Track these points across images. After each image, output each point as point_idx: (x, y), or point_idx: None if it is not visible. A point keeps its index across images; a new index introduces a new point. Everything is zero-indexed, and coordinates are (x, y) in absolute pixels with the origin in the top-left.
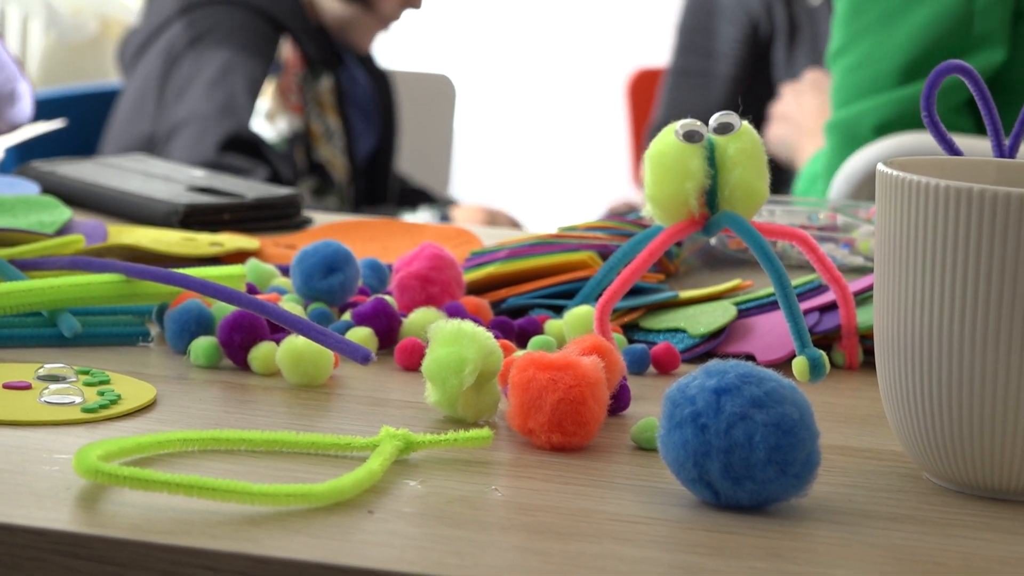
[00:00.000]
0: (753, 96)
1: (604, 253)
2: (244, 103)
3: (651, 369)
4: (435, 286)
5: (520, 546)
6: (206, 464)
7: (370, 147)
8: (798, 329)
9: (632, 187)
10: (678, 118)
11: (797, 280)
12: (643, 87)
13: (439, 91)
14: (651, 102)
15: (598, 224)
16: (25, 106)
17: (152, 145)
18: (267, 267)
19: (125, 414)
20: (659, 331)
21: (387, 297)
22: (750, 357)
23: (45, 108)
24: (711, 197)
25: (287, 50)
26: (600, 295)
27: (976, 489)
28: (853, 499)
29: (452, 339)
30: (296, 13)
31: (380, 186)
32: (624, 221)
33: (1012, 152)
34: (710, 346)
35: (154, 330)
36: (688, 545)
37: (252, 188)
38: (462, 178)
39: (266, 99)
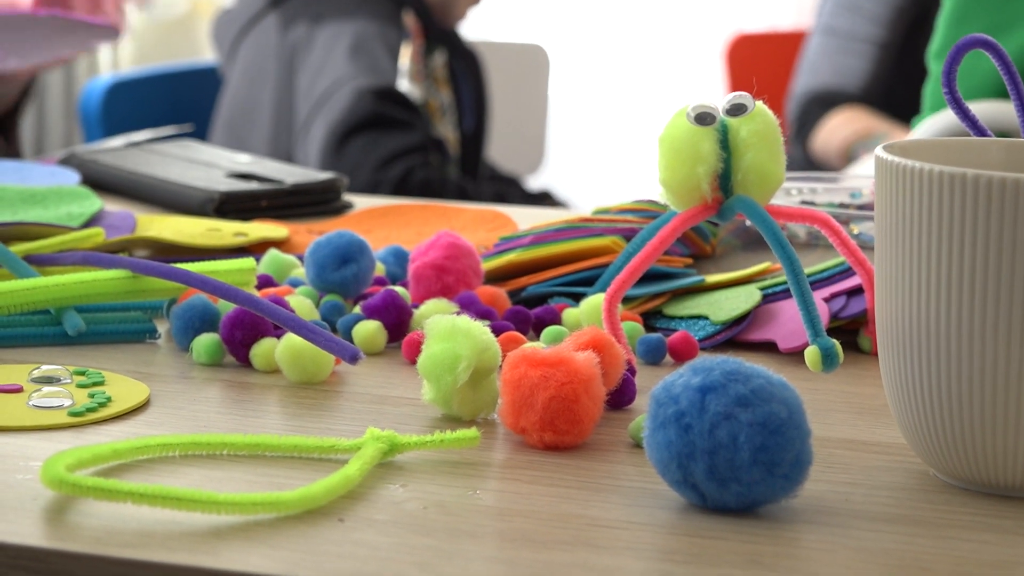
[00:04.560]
0: (903, 67)
1: (630, 237)
2: (388, 66)
3: (669, 359)
4: (451, 275)
5: (488, 556)
6: (185, 470)
7: (470, 127)
8: (811, 318)
9: None
10: (820, 84)
11: (826, 263)
12: (743, 53)
13: (533, 62)
14: (750, 68)
15: (630, 206)
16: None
17: (291, 130)
18: (287, 258)
19: (113, 417)
20: (682, 318)
21: (399, 289)
22: (772, 344)
23: (139, 86)
24: (724, 181)
25: (411, 23)
26: None
27: (980, 485)
28: (850, 498)
29: (447, 335)
30: None
31: (473, 167)
32: (657, 202)
33: None
34: (732, 333)
35: (165, 326)
36: (664, 552)
37: (291, 174)
38: (556, 151)
39: (406, 62)
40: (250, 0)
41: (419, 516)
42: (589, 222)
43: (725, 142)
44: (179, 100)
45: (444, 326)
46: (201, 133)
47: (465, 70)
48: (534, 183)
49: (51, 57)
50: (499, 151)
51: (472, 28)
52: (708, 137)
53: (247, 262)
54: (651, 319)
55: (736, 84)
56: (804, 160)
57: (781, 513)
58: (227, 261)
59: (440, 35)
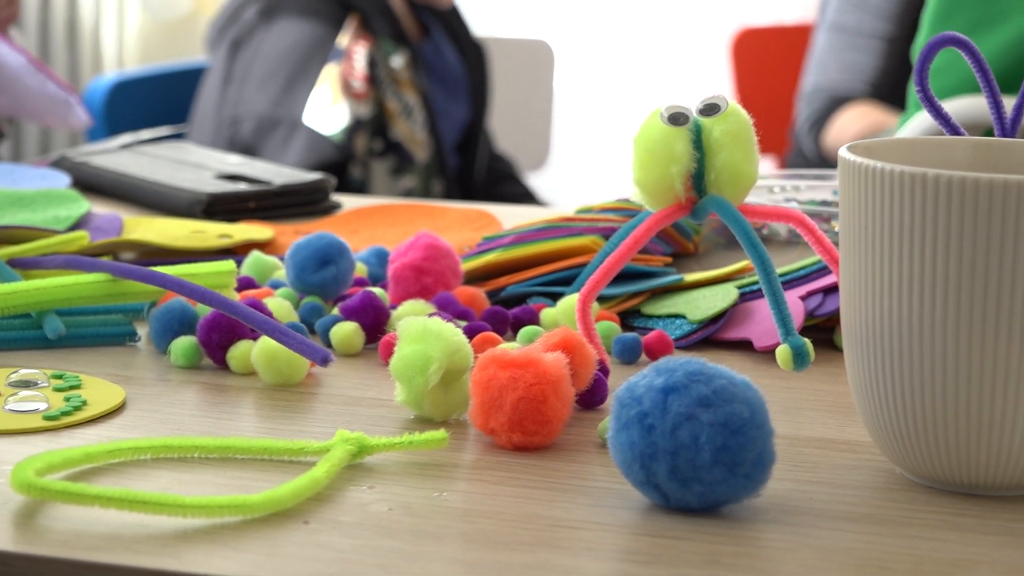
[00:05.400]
0: (911, 61)
1: (609, 236)
2: (299, 99)
3: (646, 358)
4: (429, 276)
5: (450, 557)
6: (155, 473)
7: (461, 122)
8: (782, 316)
9: None
10: (829, 81)
11: (803, 261)
12: (748, 47)
13: (537, 57)
14: (756, 62)
15: (612, 205)
16: (80, 112)
17: (229, 130)
18: (269, 259)
19: (88, 420)
20: (660, 317)
21: (377, 290)
22: (748, 343)
23: (143, 86)
24: (698, 181)
25: (349, 35)
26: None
27: (944, 484)
28: (814, 497)
29: (418, 337)
30: None
31: (470, 162)
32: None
33: (1013, 130)
34: (709, 332)
35: (145, 329)
36: (625, 552)
37: (280, 175)
38: (561, 146)
39: (326, 87)
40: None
41: (384, 518)
42: (570, 221)
43: (699, 142)
44: (182, 99)
45: (416, 328)
46: None
47: (441, 67)
48: (539, 179)
49: (30, 111)
50: (504, 146)
51: (477, 23)
52: (681, 137)
53: (226, 264)
54: (629, 318)
55: (741, 78)
56: (819, 158)
57: (744, 513)
58: (207, 264)
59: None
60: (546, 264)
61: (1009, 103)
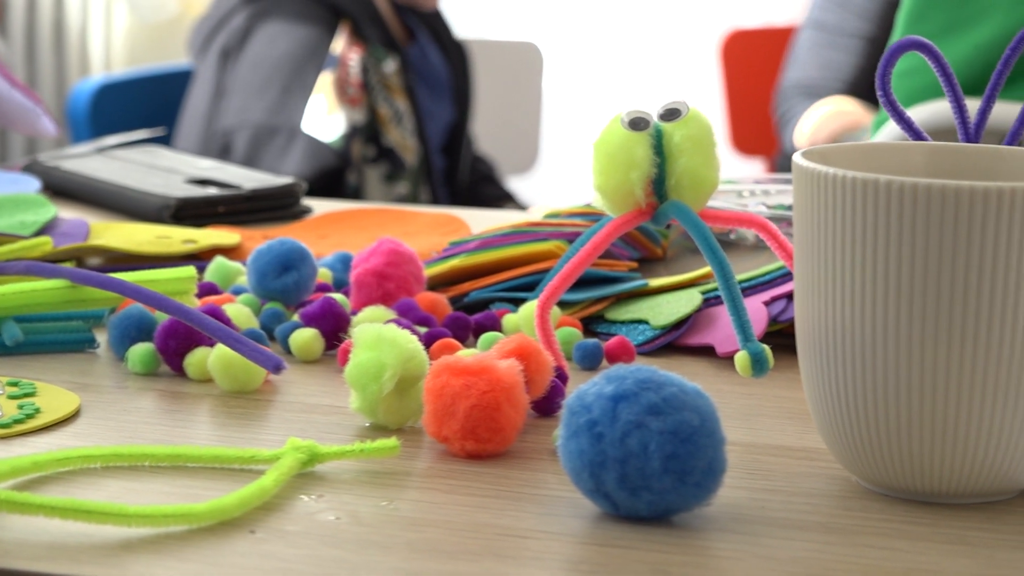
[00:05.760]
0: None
1: (575, 241)
2: (295, 107)
3: (607, 364)
4: (392, 282)
5: (394, 567)
6: (105, 482)
7: (446, 123)
8: (741, 323)
9: (728, 152)
10: (807, 78)
11: (768, 266)
12: (738, 49)
13: (526, 59)
14: (746, 64)
15: (580, 210)
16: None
17: (222, 140)
18: (233, 265)
19: (41, 428)
20: (623, 322)
21: (338, 296)
22: (711, 349)
23: (128, 88)
24: (659, 186)
25: (343, 41)
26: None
27: (898, 491)
28: (767, 505)
29: (373, 344)
30: None
31: (455, 163)
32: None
33: (976, 135)
34: (671, 337)
35: (106, 335)
36: (571, 562)
37: (250, 179)
38: (550, 149)
39: (322, 95)
40: (220, 6)
41: (331, 527)
42: (536, 226)
43: (659, 147)
44: (168, 102)
45: (370, 335)
46: None
47: (427, 71)
48: (528, 182)
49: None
50: (492, 150)
51: (465, 25)
52: (642, 142)
53: (187, 271)
54: (593, 324)
55: (731, 80)
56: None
57: (695, 521)
58: (167, 270)
59: (390, 41)
60: (510, 269)
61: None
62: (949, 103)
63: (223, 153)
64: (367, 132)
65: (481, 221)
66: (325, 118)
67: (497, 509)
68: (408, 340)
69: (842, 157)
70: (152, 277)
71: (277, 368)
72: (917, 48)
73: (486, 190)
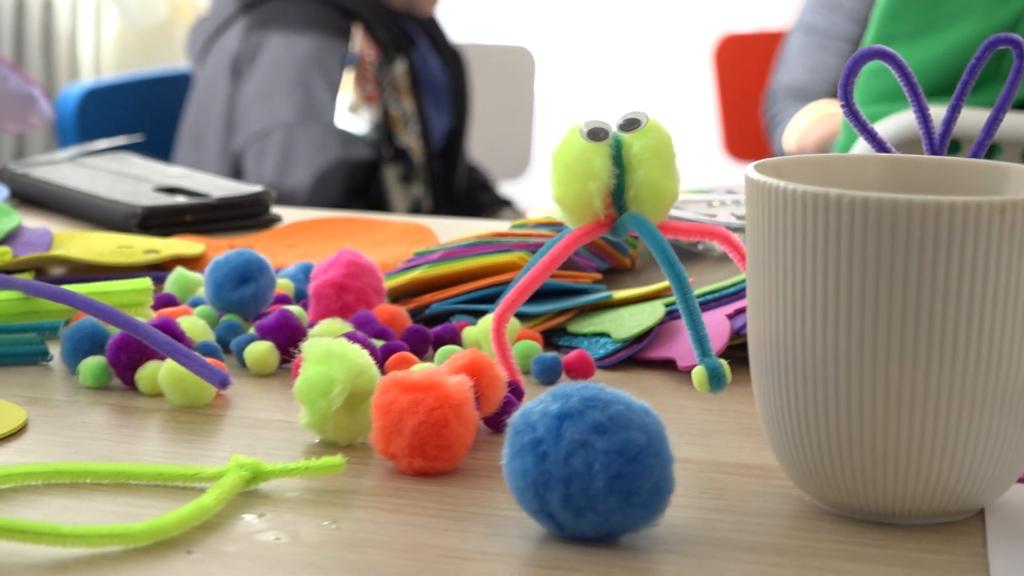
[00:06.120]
0: None
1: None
2: (326, 103)
3: (567, 378)
4: (351, 294)
5: None
6: (44, 500)
7: (444, 129)
8: (699, 337)
9: (722, 156)
10: (797, 81)
11: (733, 278)
12: (731, 53)
13: (518, 63)
14: (739, 69)
15: (547, 220)
16: (44, 106)
17: (238, 150)
18: (193, 276)
19: None
20: (585, 335)
21: (294, 308)
22: (673, 362)
23: (116, 93)
24: (618, 197)
25: (359, 39)
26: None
27: (850, 511)
28: (717, 526)
29: (322, 358)
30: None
31: (452, 169)
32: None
33: (941, 147)
34: (633, 350)
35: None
36: None
37: (219, 187)
38: (543, 153)
39: (347, 92)
40: (220, 8)
41: (270, 548)
42: (501, 237)
43: (619, 158)
44: (155, 107)
45: (320, 349)
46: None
47: (428, 77)
48: (520, 187)
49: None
50: (484, 155)
51: (456, 29)
52: (600, 153)
53: (142, 282)
54: (555, 337)
55: (724, 84)
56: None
57: (642, 542)
58: (122, 281)
59: (399, 43)
60: (473, 281)
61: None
62: (913, 112)
63: (259, 156)
64: (383, 131)
65: (449, 231)
66: (352, 114)
67: (441, 529)
68: (358, 355)
69: (796, 169)
70: (107, 289)
71: (223, 383)
72: (880, 57)
73: (482, 197)
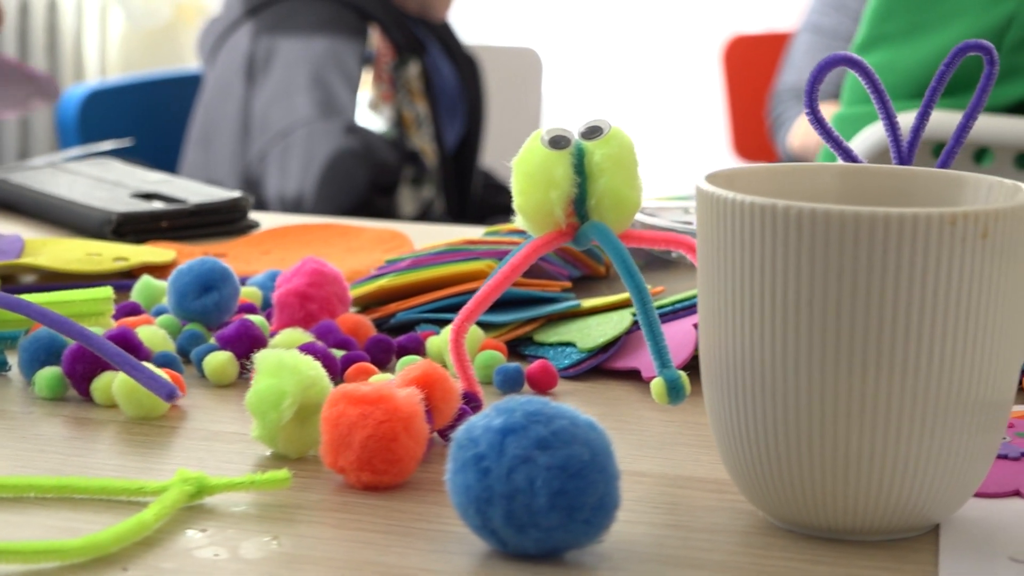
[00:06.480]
0: None
1: None
2: (346, 101)
3: (529, 389)
4: (314, 303)
5: None
6: None
7: (456, 134)
8: (658, 348)
9: (731, 158)
10: (802, 82)
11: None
12: (740, 54)
13: (526, 65)
14: (748, 70)
15: (519, 227)
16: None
17: (259, 153)
18: (159, 284)
19: None
20: (550, 345)
21: (255, 318)
22: (638, 372)
23: (119, 95)
24: (580, 206)
25: (376, 39)
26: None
27: (803, 527)
28: (665, 542)
29: (273, 370)
30: (380, 1)
31: (466, 176)
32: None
33: (909, 157)
34: (598, 360)
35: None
36: None
37: (197, 193)
38: None
39: (366, 90)
40: (231, 8)
41: (208, 565)
42: (472, 244)
43: (580, 166)
44: (159, 108)
45: (271, 361)
46: (180, 143)
47: (440, 81)
48: None
49: None
50: (492, 156)
51: (464, 31)
52: (562, 161)
53: (103, 291)
54: (521, 346)
55: (733, 86)
56: (787, 158)
57: (587, 559)
58: (84, 291)
59: (413, 45)
60: (440, 289)
61: (940, 112)
62: (881, 119)
63: (283, 156)
64: (395, 134)
65: (425, 237)
66: (373, 111)
67: (384, 545)
68: (310, 367)
69: (749, 180)
70: (68, 298)
71: (170, 396)
72: (847, 64)
73: (498, 199)
